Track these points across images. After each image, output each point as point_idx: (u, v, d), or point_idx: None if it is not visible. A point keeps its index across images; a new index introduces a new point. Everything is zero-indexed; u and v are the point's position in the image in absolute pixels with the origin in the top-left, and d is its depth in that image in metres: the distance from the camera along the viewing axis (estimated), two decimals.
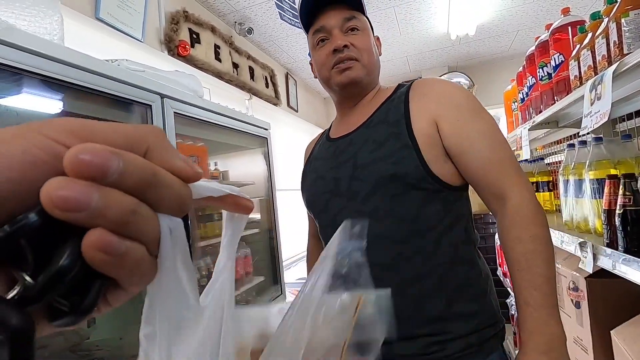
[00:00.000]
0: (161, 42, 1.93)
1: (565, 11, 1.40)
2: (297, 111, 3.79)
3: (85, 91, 0.79)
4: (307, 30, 0.86)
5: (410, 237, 0.72)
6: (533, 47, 1.62)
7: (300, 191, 0.94)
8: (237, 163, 1.79)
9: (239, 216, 0.25)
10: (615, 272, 0.89)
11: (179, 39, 2.00)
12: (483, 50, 3.77)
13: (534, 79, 1.62)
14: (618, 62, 0.86)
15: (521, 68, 1.82)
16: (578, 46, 1.19)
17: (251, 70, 2.84)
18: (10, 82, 0.68)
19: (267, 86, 3.09)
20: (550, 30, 1.45)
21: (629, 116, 1.39)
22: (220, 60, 2.41)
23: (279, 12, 1.96)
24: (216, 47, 2.38)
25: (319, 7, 0.82)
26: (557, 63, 1.39)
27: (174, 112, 0.98)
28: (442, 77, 3.78)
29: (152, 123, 0.91)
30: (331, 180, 0.80)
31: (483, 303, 0.74)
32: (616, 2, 0.94)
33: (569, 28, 1.36)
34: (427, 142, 0.72)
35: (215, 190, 0.22)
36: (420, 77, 0.77)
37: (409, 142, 0.72)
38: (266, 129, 1.61)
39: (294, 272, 2.73)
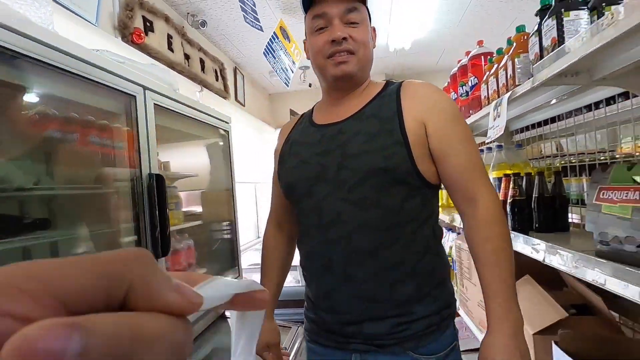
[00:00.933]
0: (115, 28, 1.90)
1: (480, 43, 1.75)
2: (244, 105, 3.85)
3: (77, 78, 0.85)
4: (305, 11, 0.85)
5: (392, 227, 0.77)
6: (456, 68, 1.96)
7: (276, 174, 0.95)
8: (188, 154, 1.83)
9: (253, 313, 0.21)
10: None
11: (134, 26, 1.99)
12: (416, 63, 4.23)
13: (455, 94, 1.96)
14: (511, 91, 1.17)
15: (446, 83, 2.17)
16: (487, 73, 1.51)
17: (202, 62, 2.85)
18: (5, 64, 0.73)
19: (217, 79, 3.12)
20: (468, 57, 1.79)
21: (522, 130, 1.79)
22: (172, 51, 2.41)
23: (243, 15, 2.05)
24: (169, 37, 2.38)
25: None
26: (472, 84, 1.73)
27: (154, 104, 1.05)
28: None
29: (137, 113, 0.98)
30: (317, 166, 0.81)
31: (443, 288, 0.83)
32: (511, 45, 1.26)
33: (482, 57, 1.71)
34: (416, 140, 0.76)
35: (220, 298, 0.18)
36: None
37: (400, 139, 0.76)
38: (227, 123, 1.71)
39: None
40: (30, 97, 0.83)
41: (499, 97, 1.34)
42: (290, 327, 1.68)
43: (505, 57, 1.30)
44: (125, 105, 0.98)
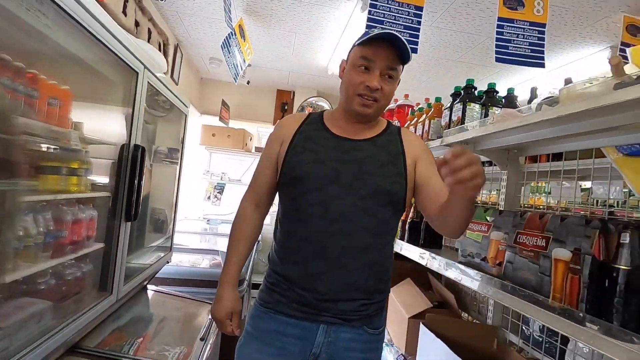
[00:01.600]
0: None
1: (406, 96, 2.23)
2: (177, 84, 3.76)
3: (97, 42, 0.92)
4: (360, 43, 0.96)
5: (381, 234, 0.99)
6: (385, 110, 2.42)
7: (273, 158, 1.04)
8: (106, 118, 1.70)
9: None
10: (402, 253, 1.63)
11: None
12: None
13: None
14: (426, 142, 1.61)
15: None
16: (409, 122, 1.98)
17: (149, 33, 2.77)
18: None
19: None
20: (396, 104, 2.26)
21: None
22: (125, 15, 2.33)
23: (225, 16, 2.14)
24: (125, 0, 2.30)
25: (383, 39, 0.94)
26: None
27: (148, 84, 1.15)
28: (311, 99, 4.53)
29: (137, 90, 1.07)
30: (331, 170, 0.96)
31: (388, 283, 1.07)
32: (431, 108, 1.73)
33: (406, 107, 2.18)
34: (410, 176, 1.01)
35: None
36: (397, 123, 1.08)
37: (402, 172, 1.00)
38: (187, 107, 1.80)
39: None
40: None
41: None
42: (209, 304, 1.83)
43: (424, 116, 1.76)
44: (127, 80, 1.06)
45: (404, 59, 0.98)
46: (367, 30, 1.03)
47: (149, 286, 1.80)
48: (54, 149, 1.27)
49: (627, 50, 0.95)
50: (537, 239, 0.88)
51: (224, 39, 2.63)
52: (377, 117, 1.06)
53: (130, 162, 1.12)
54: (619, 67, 0.70)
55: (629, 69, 0.92)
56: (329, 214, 0.95)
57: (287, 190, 1.03)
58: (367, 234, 0.97)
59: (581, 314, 0.72)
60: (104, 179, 1.25)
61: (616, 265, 0.68)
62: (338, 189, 0.96)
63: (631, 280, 0.66)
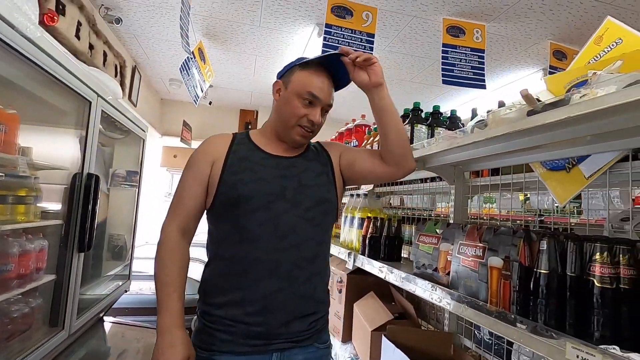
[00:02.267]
0: None
1: (363, 116, 2.35)
2: (135, 106, 3.68)
3: (45, 74, 0.92)
4: (304, 68, 1.02)
5: (324, 241, 1.04)
6: (344, 129, 2.52)
7: (201, 181, 0.99)
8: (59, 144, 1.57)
9: None
10: (363, 267, 1.68)
11: (48, 7, 1.88)
12: None
13: None
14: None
15: (334, 137, 2.71)
16: (365, 141, 2.08)
17: (105, 55, 2.73)
18: None
19: (115, 75, 2.98)
20: (354, 124, 2.36)
21: (380, 185, 2.43)
22: (79, 38, 2.29)
23: (182, 42, 2.16)
24: (78, 23, 2.27)
25: (324, 67, 1.03)
26: (353, 145, 2.29)
27: (102, 111, 1.14)
28: None
29: (90, 119, 1.06)
30: (277, 186, 0.99)
31: (329, 293, 1.10)
32: None
33: (364, 127, 2.29)
34: (338, 183, 1.10)
35: None
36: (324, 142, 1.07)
37: (332, 181, 1.08)
38: (144, 131, 1.79)
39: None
40: None
41: None
42: None
43: (378, 136, 1.86)
44: (79, 110, 1.05)
45: (338, 86, 1.09)
46: (301, 57, 1.10)
47: (105, 317, 1.72)
48: None
49: (543, 79, 1.10)
50: (475, 249, 0.97)
51: (183, 63, 2.64)
52: None
53: (84, 192, 1.10)
54: (528, 97, 0.81)
55: (545, 95, 1.06)
56: (279, 230, 0.95)
57: (226, 212, 0.97)
58: (314, 243, 1.00)
59: (513, 316, 0.80)
60: (56, 206, 1.21)
61: (537, 270, 0.78)
62: (284, 204, 0.97)
63: (549, 283, 0.76)
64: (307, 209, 0.99)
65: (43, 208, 1.33)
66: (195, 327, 1.00)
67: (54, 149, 1.27)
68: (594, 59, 1.02)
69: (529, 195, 1.69)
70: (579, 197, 1.43)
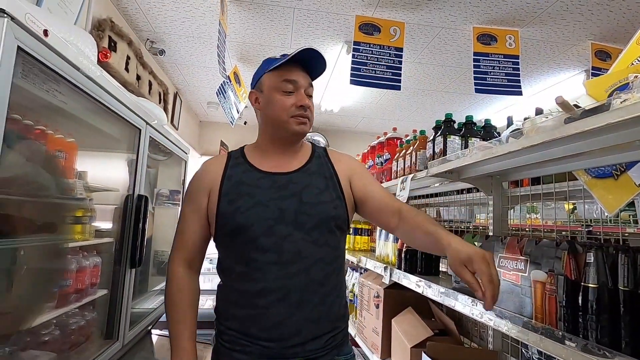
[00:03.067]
0: None
1: (395, 129, 2.35)
2: (177, 129, 3.92)
3: (102, 106, 1.03)
4: (271, 70, 0.97)
5: (334, 261, 0.97)
6: (375, 142, 2.53)
7: (196, 210, 0.96)
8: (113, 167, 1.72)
9: None
10: (400, 282, 1.66)
11: (102, 45, 2.09)
12: (340, 123, 4.92)
13: (372, 161, 2.51)
14: (414, 174, 1.69)
15: (366, 150, 2.72)
16: (398, 154, 2.07)
17: (150, 84, 2.96)
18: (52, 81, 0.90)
19: (159, 102, 3.21)
20: (385, 137, 2.37)
21: (415, 197, 2.39)
22: (128, 71, 2.50)
23: (219, 68, 2.31)
24: (127, 58, 2.48)
25: (298, 62, 0.97)
26: (386, 158, 2.29)
27: (150, 137, 1.25)
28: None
29: (140, 144, 1.17)
30: (276, 210, 0.92)
31: (347, 305, 1.05)
32: (416, 141, 1.83)
33: (395, 140, 2.29)
34: (347, 196, 1.00)
35: None
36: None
37: (340, 194, 0.99)
38: (186, 153, 1.91)
39: None
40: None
41: (404, 174, 1.87)
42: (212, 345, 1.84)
43: (411, 148, 1.85)
44: (130, 137, 1.16)
45: (314, 77, 1.02)
46: (271, 57, 1.03)
47: (153, 330, 1.82)
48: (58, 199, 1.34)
49: (583, 83, 1.06)
50: (516, 262, 0.93)
51: (219, 86, 2.80)
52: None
53: (135, 212, 1.20)
54: (564, 104, 0.79)
55: (585, 100, 1.02)
56: (284, 256, 0.90)
57: (229, 242, 0.94)
58: (323, 264, 0.94)
59: (560, 333, 0.76)
60: (108, 225, 1.31)
61: (585, 284, 0.74)
62: (286, 228, 0.91)
63: (600, 297, 0.71)
64: (311, 230, 0.93)
65: (97, 227, 1.45)
66: (213, 346, 0.99)
67: (107, 173, 1.40)
68: (637, 60, 0.98)
69: (575, 205, 1.60)
70: (633, 204, 1.34)
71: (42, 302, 1.19)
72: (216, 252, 1.01)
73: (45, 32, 0.74)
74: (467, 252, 0.75)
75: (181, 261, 0.98)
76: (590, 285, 0.73)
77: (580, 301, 0.75)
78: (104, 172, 1.38)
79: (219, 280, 1.01)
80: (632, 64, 0.98)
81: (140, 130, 1.18)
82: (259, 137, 1.06)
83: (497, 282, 0.72)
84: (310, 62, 1.00)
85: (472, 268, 0.74)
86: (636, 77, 0.73)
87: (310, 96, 1.01)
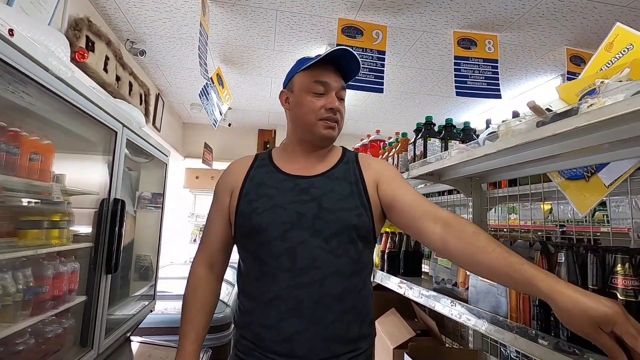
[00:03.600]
0: None
1: (378, 131, 2.37)
2: (159, 131, 3.86)
3: (74, 108, 1.00)
4: (304, 68, 0.93)
5: (355, 274, 0.87)
6: (359, 144, 2.54)
7: (222, 211, 0.95)
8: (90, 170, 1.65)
9: None
10: (382, 283, 1.67)
11: (79, 45, 2.03)
12: None
13: None
14: (385, 161, 1.71)
15: None
16: (380, 156, 2.09)
17: (130, 85, 2.90)
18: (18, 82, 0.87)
19: (140, 103, 3.15)
20: (369, 139, 2.38)
21: None
22: (106, 72, 2.45)
23: (200, 69, 2.28)
24: (106, 58, 2.43)
25: (332, 64, 0.93)
26: None
27: (128, 140, 1.22)
28: None
29: (116, 147, 1.14)
30: (294, 213, 0.87)
31: (372, 325, 0.95)
32: (398, 143, 1.85)
33: (378, 142, 2.31)
34: (374, 204, 0.91)
35: None
36: (353, 149, 1.00)
37: (365, 202, 0.91)
38: (167, 155, 1.87)
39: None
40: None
41: None
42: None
43: (394, 150, 1.87)
44: (106, 139, 1.14)
45: (347, 79, 0.97)
46: (305, 57, 1.00)
47: (132, 337, 1.78)
48: (35, 202, 1.31)
49: (555, 88, 1.09)
50: None
51: (202, 88, 2.77)
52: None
53: (111, 216, 1.17)
54: (536, 108, 0.81)
55: (558, 104, 1.05)
56: (298, 263, 0.85)
57: (245, 244, 0.92)
58: (341, 278, 0.86)
59: (534, 332, 0.78)
60: (86, 229, 1.27)
61: None
62: (302, 233, 0.86)
63: None
64: (329, 238, 0.86)
65: (75, 231, 1.41)
66: (229, 356, 0.97)
67: (85, 176, 1.36)
68: (606, 66, 1.01)
69: (552, 206, 1.65)
70: (605, 204, 1.38)
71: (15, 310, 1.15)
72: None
73: (11, 32, 0.72)
74: (602, 310, 0.56)
75: (203, 261, 0.97)
76: None
77: None
78: (83, 175, 1.34)
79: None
80: (601, 69, 1.01)
81: (116, 132, 1.15)
82: (287, 138, 1.04)
83: None
84: (344, 64, 0.95)
85: (610, 329, 0.56)
86: (602, 82, 0.75)
87: (342, 99, 0.96)
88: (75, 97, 0.96)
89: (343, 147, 1.06)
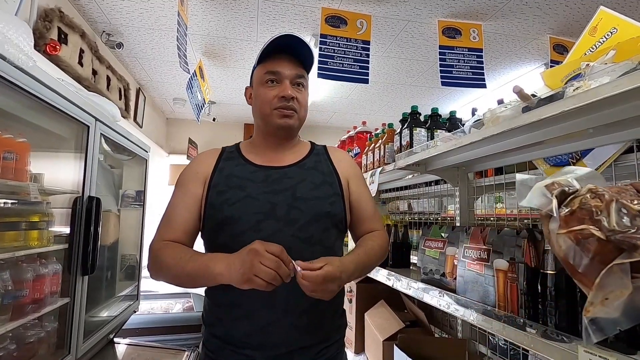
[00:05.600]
0: None
1: (364, 123, 2.34)
2: (141, 127, 3.75)
3: (41, 102, 0.94)
4: (258, 62, 0.95)
5: None
6: (345, 136, 2.51)
7: (190, 200, 0.90)
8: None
9: None
10: (371, 276, 1.65)
11: (50, 37, 1.94)
12: (311, 118, 4.88)
13: None
14: (382, 167, 1.69)
15: (337, 145, 2.71)
16: (367, 148, 2.06)
17: (108, 80, 2.80)
18: None
19: (120, 98, 3.05)
20: (355, 131, 2.35)
21: (386, 190, 2.40)
22: (82, 65, 2.35)
23: (179, 61, 2.21)
24: (81, 51, 2.33)
25: (282, 51, 0.92)
26: (356, 152, 2.28)
27: (101, 134, 1.16)
28: None
29: (89, 142, 1.08)
30: (266, 204, 0.87)
31: (344, 315, 0.99)
32: (385, 134, 1.82)
33: (365, 133, 2.28)
34: (345, 194, 0.95)
35: None
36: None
37: (338, 191, 0.94)
38: (146, 151, 1.81)
39: None
40: None
41: (374, 167, 1.87)
42: (184, 351, 1.77)
43: (380, 141, 1.85)
44: (78, 134, 1.07)
45: (306, 65, 0.96)
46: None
47: (117, 339, 1.72)
48: (11, 203, 1.24)
49: (540, 74, 1.08)
50: (479, 252, 0.94)
51: (188, 81, 2.69)
52: (297, 131, 1.00)
53: (85, 215, 1.11)
54: (521, 93, 0.79)
55: (543, 90, 1.04)
56: None
57: (216, 236, 0.89)
58: None
59: (522, 320, 0.77)
60: (65, 230, 1.21)
61: (544, 271, 0.75)
62: (276, 223, 0.86)
63: (558, 284, 0.72)
64: (303, 227, 0.87)
65: (56, 232, 1.34)
66: (199, 357, 0.95)
67: (60, 174, 1.29)
68: (590, 50, 1.00)
69: None
70: None
71: None
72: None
73: None
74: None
75: (162, 240, 0.87)
76: (548, 272, 0.74)
77: (539, 288, 0.76)
78: (58, 174, 1.27)
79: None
80: (585, 54, 1.00)
81: (88, 127, 1.09)
82: (253, 132, 1.03)
83: None
84: (301, 51, 0.94)
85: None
86: (587, 65, 0.74)
87: (299, 86, 0.94)
88: (39, 88, 0.90)
89: (311, 141, 1.07)
